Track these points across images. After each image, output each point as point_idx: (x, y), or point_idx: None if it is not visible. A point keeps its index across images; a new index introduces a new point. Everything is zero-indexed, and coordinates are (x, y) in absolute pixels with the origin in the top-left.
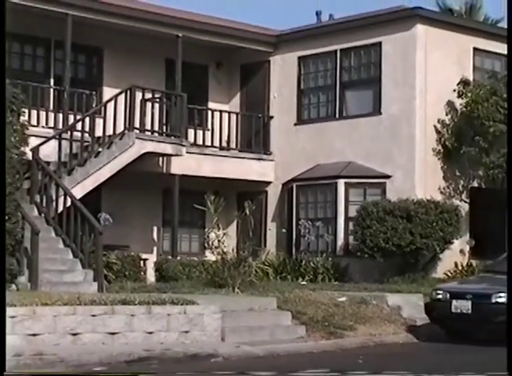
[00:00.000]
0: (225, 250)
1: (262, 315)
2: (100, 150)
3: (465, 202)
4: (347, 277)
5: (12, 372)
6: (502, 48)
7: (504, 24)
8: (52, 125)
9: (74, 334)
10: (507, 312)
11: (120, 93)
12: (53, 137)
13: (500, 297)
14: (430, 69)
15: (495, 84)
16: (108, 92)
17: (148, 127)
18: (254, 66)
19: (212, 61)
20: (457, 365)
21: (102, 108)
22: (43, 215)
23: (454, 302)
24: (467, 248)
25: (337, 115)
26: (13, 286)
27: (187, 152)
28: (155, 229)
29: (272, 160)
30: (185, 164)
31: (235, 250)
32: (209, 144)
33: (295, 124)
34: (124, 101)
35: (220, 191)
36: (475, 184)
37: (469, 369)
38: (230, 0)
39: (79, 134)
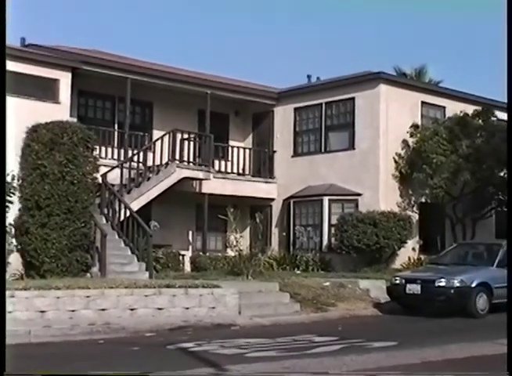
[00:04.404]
0: (241, 248)
1: (268, 295)
2: (150, 175)
3: (415, 213)
4: (330, 268)
5: (12, 372)
6: (442, 101)
7: (444, 84)
8: (116, 158)
9: (132, 309)
10: (507, 311)
11: (165, 134)
12: (117, 166)
13: (441, 282)
14: (390, 116)
15: (437, 128)
16: (156, 134)
17: (185, 159)
18: (262, 114)
19: (232, 111)
20: (409, 330)
21: (152, 145)
22: (109, 222)
23: (408, 286)
24: (417, 246)
25: (323, 150)
26: (88, 274)
27: (214, 177)
28: (190, 232)
29: (275, 183)
30: (212, 186)
31: (248, 248)
32: (229, 171)
33: (292, 157)
34: (168, 140)
35: (237, 205)
36: (423, 200)
37: (419, 333)
38: (245, 65)
39: (135, 164)
